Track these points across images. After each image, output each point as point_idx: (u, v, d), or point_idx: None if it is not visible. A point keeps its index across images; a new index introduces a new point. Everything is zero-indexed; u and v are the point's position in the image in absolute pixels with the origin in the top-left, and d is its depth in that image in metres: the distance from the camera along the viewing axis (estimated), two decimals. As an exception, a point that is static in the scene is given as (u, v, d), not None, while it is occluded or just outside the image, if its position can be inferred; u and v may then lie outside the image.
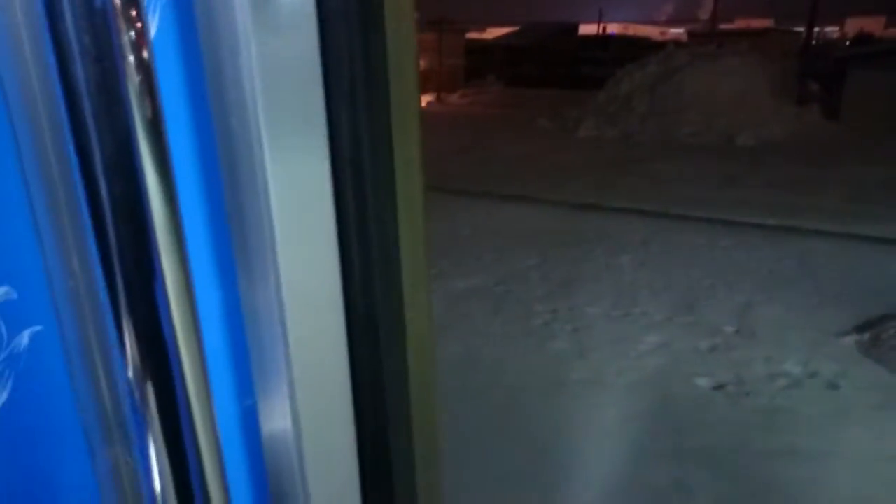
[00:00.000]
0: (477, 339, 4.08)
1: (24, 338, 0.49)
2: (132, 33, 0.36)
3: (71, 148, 0.38)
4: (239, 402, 0.50)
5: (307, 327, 0.44)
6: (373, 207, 0.46)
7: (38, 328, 0.50)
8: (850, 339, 3.91)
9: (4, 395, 0.49)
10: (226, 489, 0.43)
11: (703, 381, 3.57)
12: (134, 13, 0.35)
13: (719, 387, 3.52)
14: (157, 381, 0.41)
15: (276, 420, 0.46)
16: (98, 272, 0.41)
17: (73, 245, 0.47)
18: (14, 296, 0.48)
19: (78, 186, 0.39)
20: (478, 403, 3.34)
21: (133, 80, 0.36)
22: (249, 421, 0.50)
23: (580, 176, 8.87)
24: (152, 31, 0.41)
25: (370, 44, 0.43)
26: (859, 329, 4.00)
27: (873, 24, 38.98)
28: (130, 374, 0.41)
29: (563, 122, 13.19)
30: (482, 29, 37.34)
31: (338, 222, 0.45)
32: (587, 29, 36.32)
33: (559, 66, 25.04)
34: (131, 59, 0.36)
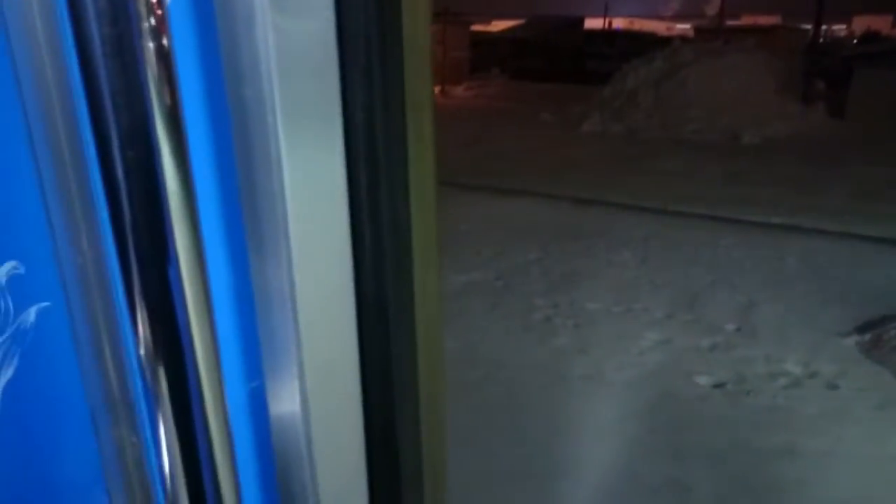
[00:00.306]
0: (476, 334, 4.07)
1: (31, 314, 0.49)
2: (152, 20, 0.36)
3: (86, 127, 0.38)
4: (247, 384, 0.50)
5: (318, 311, 0.44)
6: (385, 192, 0.45)
7: (45, 304, 0.50)
8: (852, 340, 3.90)
9: (10, 372, 0.49)
10: (235, 469, 0.43)
11: (703, 379, 3.57)
12: (154, 0, 0.35)
13: (719, 385, 3.52)
14: (169, 359, 0.41)
15: (284, 402, 0.46)
16: (110, 250, 0.40)
17: (83, 222, 0.47)
18: (21, 270, 0.48)
19: (92, 165, 0.39)
20: (476, 398, 3.34)
21: (152, 65, 0.36)
22: (257, 403, 0.50)
23: (583, 171, 8.85)
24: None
25: (386, 29, 0.42)
26: (860, 329, 4.00)
27: (881, 23, 38.80)
28: (142, 352, 0.41)
29: (566, 117, 13.15)
30: (487, 21, 37.16)
31: (350, 206, 0.44)
32: (593, 23, 36.18)
33: (564, 60, 24.94)
34: (151, 45, 0.36)
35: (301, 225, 0.42)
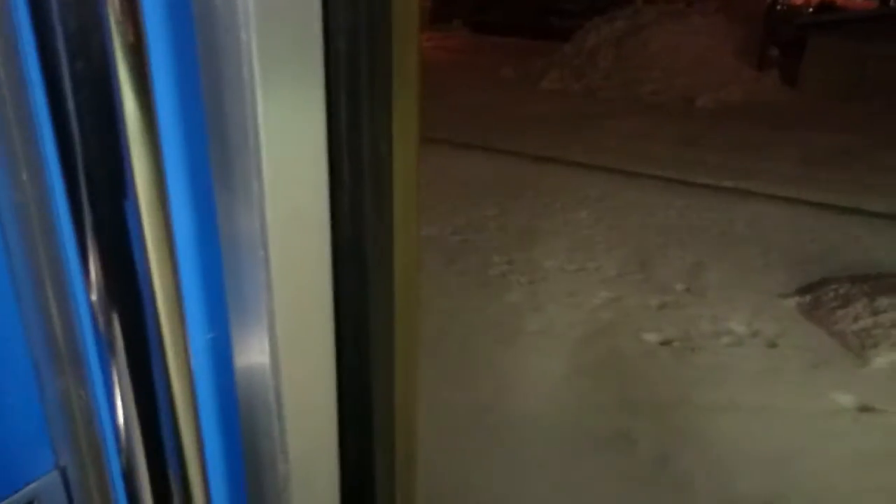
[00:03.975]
0: (432, 289, 4.08)
1: (-34, 257, 0.44)
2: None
3: (28, 43, 0.32)
4: (210, 333, 0.47)
5: (290, 254, 0.41)
6: (367, 128, 0.42)
7: (-20, 246, 0.45)
8: (793, 301, 4.05)
9: (-57, 319, 0.44)
10: (198, 426, 0.40)
11: (651, 337, 3.67)
12: None
13: (666, 342, 3.62)
14: (125, 306, 0.36)
15: (252, 353, 0.43)
16: (55, 185, 0.36)
17: (23, 154, 0.42)
18: (-47, 209, 0.43)
19: (35, 88, 0.34)
20: (430, 351, 3.36)
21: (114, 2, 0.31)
22: (221, 352, 0.46)
23: (541, 128, 8.83)
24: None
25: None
26: (801, 291, 4.16)
27: (835, -6, 39.39)
28: (94, 297, 0.36)
29: (527, 73, 13.02)
30: (449, -29, 36.20)
31: (328, 140, 0.41)
32: (556, -21, 35.67)
33: (527, 14, 24.61)
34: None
35: (274, 160, 0.38)
